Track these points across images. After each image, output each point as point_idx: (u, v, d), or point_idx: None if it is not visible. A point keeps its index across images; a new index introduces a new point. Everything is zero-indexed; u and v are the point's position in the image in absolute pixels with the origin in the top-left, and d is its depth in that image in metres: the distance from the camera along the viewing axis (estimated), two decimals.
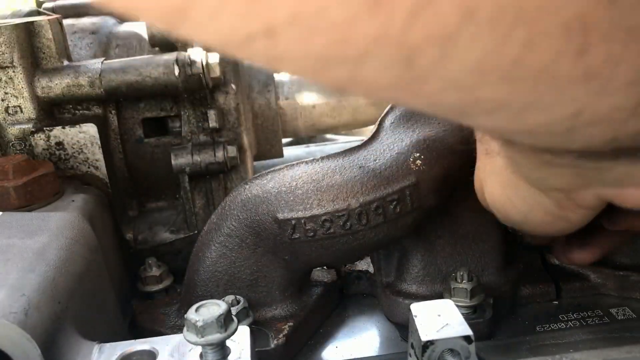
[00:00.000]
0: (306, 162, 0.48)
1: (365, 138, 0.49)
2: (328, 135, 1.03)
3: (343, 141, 0.98)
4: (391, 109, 0.49)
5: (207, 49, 0.60)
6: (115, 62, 0.59)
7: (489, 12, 0.19)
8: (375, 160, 0.47)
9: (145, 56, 0.61)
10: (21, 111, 0.56)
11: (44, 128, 0.57)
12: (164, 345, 0.39)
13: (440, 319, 0.39)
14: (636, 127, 0.28)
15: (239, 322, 0.41)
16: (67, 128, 0.57)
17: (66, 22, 0.68)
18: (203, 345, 0.36)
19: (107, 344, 0.40)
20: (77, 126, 0.57)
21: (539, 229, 0.41)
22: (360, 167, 0.46)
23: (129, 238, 0.60)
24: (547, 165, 0.33)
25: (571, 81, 0.23)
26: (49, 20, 0.57)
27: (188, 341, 0.36)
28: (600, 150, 0.30)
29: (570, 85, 0.23)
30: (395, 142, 0.47)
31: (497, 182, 0.40)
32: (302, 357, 0.51)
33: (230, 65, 0.63)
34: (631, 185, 0.37)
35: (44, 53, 0.57)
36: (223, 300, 0.38)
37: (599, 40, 0.21)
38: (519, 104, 0.24)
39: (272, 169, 0.49)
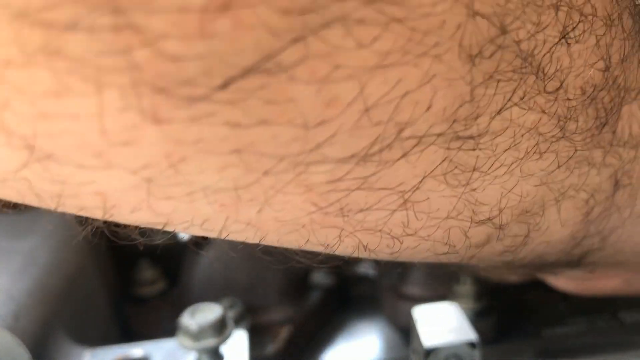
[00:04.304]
0: None
1: None
2: None
3: None
4: None
5: None
6: None
7: None
8: None
9: None
10: None
11: None
12: (157, 350, 0.38)
13: (443, 323, 0.38)
14: (475, 264, 0.29)
15: (236, 326, 0.40)
16: None
17: None
18: (198, 350, 0.35)
19: (99, 349, 0.39)
20: None
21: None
22: None
23: (122, 239, 0.58)
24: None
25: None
26: None
27: (183, 346, 0.35)
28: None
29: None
30: None
31: None
32: None
33: None
34: (550, 275, 0.39)
35: None
36: (219, 303, 0.37)
37: None
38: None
39: None
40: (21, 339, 0.33)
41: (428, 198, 0.21)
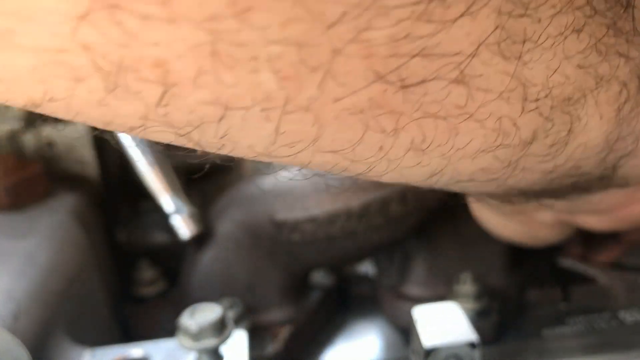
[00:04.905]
0: None
1: None
2: None
3: None
4: None
5: None
6: None
7: None
8: None
9: None
10: (10, 109, 0.55)
11: (35, 127, 0.55)
12: (157, 350, 0.38)
13: (443, 323, 0.38)
14: (515, 183, 0.29)
15: (236, 326, 0.40)
16: (58, 127, 0.55)
17: None
18: (198, 350, 0.35)
19: (99, 349, 0.39)
20: (69, 125, 0.56)
21: (531, 244, 0.46)
22: None
23: (122, 239, 0.58)
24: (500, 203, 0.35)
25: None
26: None
27: (183, 346, 0.35)
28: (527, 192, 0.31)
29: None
30: None
31: (479, 213, 0.46)
32: None
33: None
34: (580, 213, 0.38)
35: None
36: (219, 303, 0.37)
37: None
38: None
39: (270, 168, 0.48)
40: (21, 339, 0.33)
41: (483, 74, 0.21)
